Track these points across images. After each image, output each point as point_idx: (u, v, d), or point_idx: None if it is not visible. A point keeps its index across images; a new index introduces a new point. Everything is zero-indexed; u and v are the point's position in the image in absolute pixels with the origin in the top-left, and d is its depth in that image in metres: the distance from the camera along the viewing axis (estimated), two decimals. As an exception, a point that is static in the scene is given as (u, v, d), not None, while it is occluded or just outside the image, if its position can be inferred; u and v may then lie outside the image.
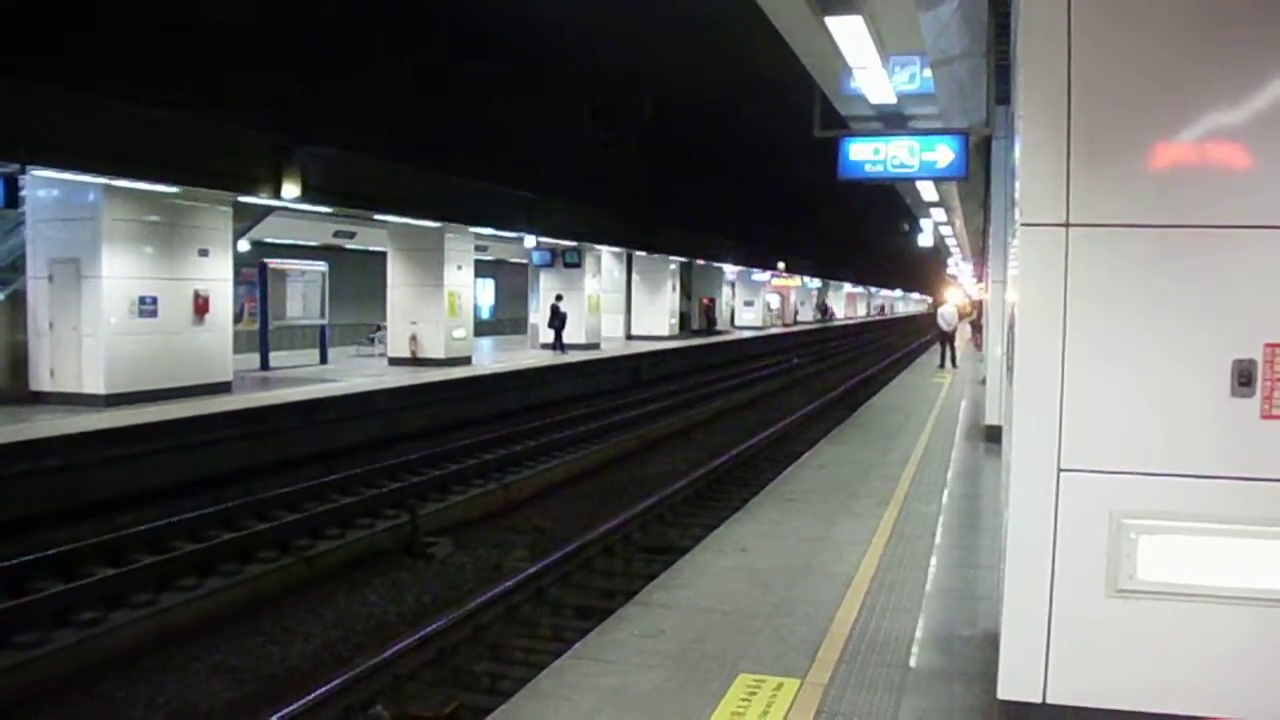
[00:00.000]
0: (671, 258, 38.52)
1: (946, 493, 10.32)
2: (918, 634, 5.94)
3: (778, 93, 18.89)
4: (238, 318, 19.58)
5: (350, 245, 29.03)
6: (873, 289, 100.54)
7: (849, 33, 8.51)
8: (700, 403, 24.67)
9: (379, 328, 26.32)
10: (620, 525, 11.55)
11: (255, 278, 21.45)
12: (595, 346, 31.22)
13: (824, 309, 75.90)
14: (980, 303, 32.28)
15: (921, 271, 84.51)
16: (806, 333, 57.65)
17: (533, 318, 32.44)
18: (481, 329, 32.49)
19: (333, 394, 17.51)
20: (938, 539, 8.34)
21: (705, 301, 46.01)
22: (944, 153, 10.84)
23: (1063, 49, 3.87)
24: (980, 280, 30.73)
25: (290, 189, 16.63)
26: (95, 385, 14.96)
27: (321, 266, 23.37)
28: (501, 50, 22.11)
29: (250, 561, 10.50)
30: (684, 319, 42.86)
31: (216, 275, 17.07)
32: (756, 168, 39.43)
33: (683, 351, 35.31)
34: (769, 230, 47.24)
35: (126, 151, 13.97)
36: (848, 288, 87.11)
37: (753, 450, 16.97)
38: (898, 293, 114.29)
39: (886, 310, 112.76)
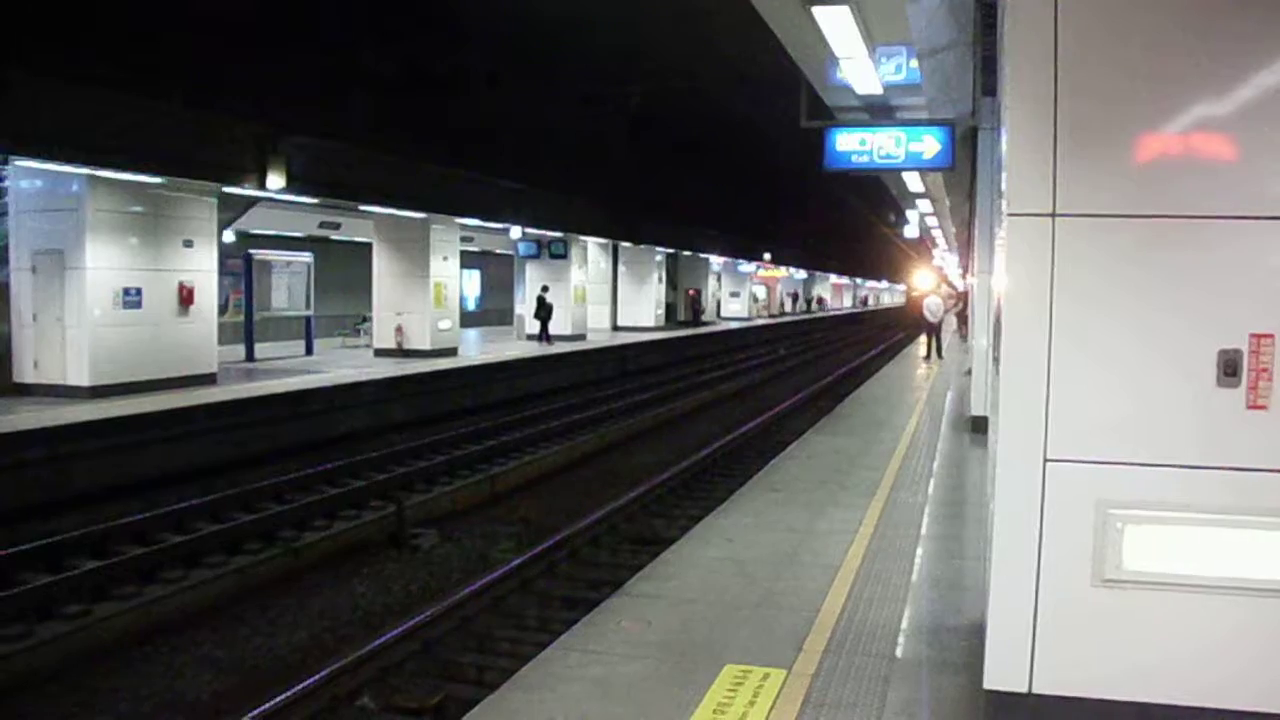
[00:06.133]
0: (657, 249, 38.50)
1: (932, 483, 10.34)
2: (904, 624, 5.95)
3: (764, 84, 18.88)
4: (223, 309, 19.51)
5: (336, 236, 28.91)
6: (858, 280, 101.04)
7: (835, 23, 8.50)
8: (686, 394, 24.68)
9: (364, 319, 26.26)
10: (606, 516, 11.56)
11: (240, 269, 21.38)
12: (581, 338, 31.23)
13: (819, 300, 77.96)
14: (964, 293, 32.34)
15: (907, 262, 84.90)
16: (792, 324, 57.81)
17: (519, 309, 32.41)
18: (467, 320, 32.42)
19: (318, 385, 17.47)
20: (924, 529, 8.35)
21: (691, 293, 45.99)
22: (930, 143, 10.87)
23: (1049, 39, 3.87)
24: (965, 271, 30.79)
25: (275, 179, 16.57)
26: (79, 377, 14.88)
27: (307, 257, 23.31)
28: (487, 40, 22.03)
29: (236, 553, 10.48)
30: (670, 310, 42.85)
31: (201, 266, 16.99)
32: (743, 159, 39.40)
33: (668, 343, 35.34)
34: (755, 221, 47.24)
35: (110, 142, 13.88)
36: (833, 279, 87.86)
37: (739, 441, 16.98)
38: (883, 284, 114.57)
39: (870, 301, 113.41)
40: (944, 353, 28.33)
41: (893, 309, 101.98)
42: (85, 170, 14.36)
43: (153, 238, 15.98)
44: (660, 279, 40.31)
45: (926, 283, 32.40)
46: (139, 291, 15.64)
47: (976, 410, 13.38)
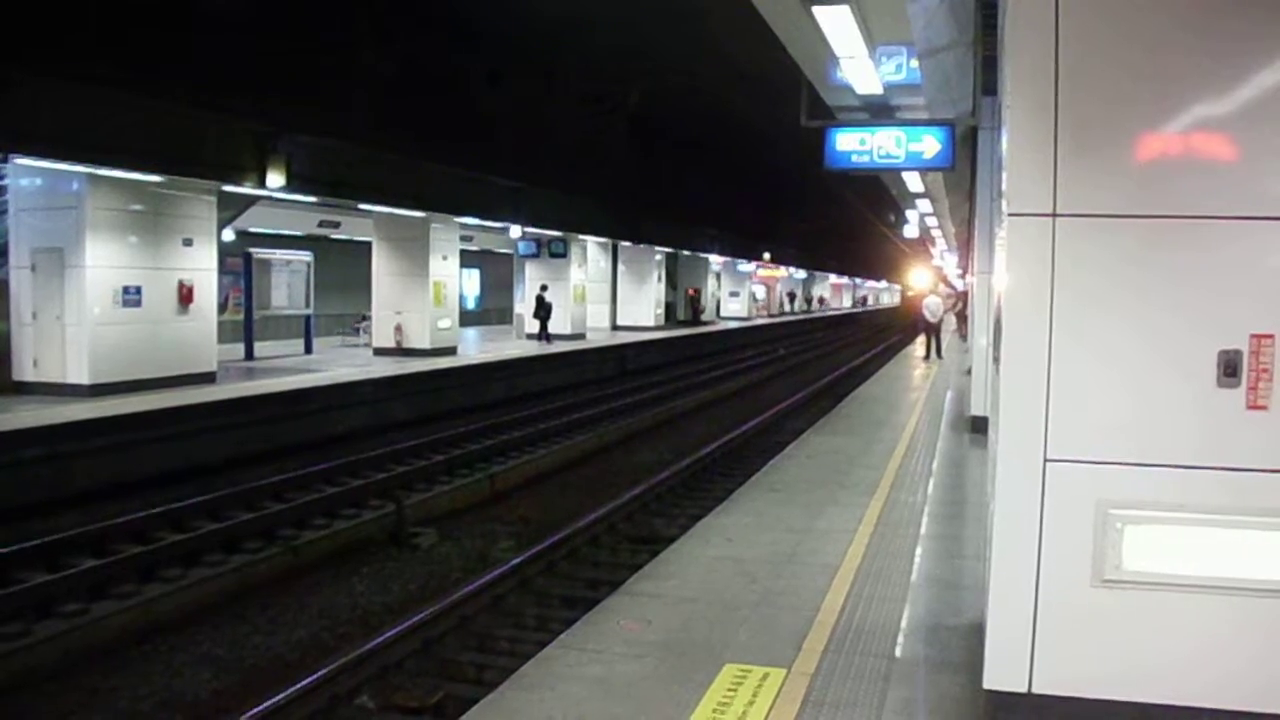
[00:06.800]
0: (657, 248, 38.48)
1: (932, 483, 10.35)
2: (903, 624, 5.96)
3: (764, 83, 18.86)
4: (222, 308, 19.48)
5: (335, 235, 28.93)
6: (856, 280, 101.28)
7: (836, 22, 8.51)
8: (686, 393, 24.68)
9: (364, 318, 26.25)
10: (606, 515, 11.56)
11: (240, 267, 21.36)
12: (581, 337, 31.22)
13: (819, 300, 79.10)
14: (964, 293, 32.36)
15: (906, 262, 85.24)
16: (791, 323, 57.81)
17: (518, 308, 32.40)
18: (467, 319, 32.42)
19: (317, 384, 17.46)
20: (923, 529, 8.36)
21: (691, 292, 45.97)
22: (930, 143, 10.87)
23: (1050, 39, 3.87)
24: (965, 271, 30.79)
25: (275, 178, 16.56)
26: (79, 375, 14.86)
27: (306, 256, 23.28)
28: (488, 39, 22.01)
29: (236, 551, 10.48)
30: (669, 309, 42.82)
31: (201, 265, 16.98)
32: (743, 158, 39.39)
33: (668, 342, 35.34)
34: (754, 221, 47.22)
35: (110, 140, 13.87)
36: (832, 278, 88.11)
37: (738, 441, 16.98)
38: (882, 283, 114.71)
39: (870, 301, 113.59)
40: (943, 352, 28.35)
41: (891, 308, 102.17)
42: (85, 168, 14.34)
43: (152, 236, 15.96)
44: (660, 278, 40.28)
45: (923, 282, 32.33)
46: (138, 290, 15.63)
47: (976, 410, 13.40)
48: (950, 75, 11.10)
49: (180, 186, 16.15)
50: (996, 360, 4.51)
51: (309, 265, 23.20)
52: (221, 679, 7.56)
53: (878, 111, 12.32)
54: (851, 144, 11.10)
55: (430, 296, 23.36)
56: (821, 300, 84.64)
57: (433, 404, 19.78)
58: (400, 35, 19.60)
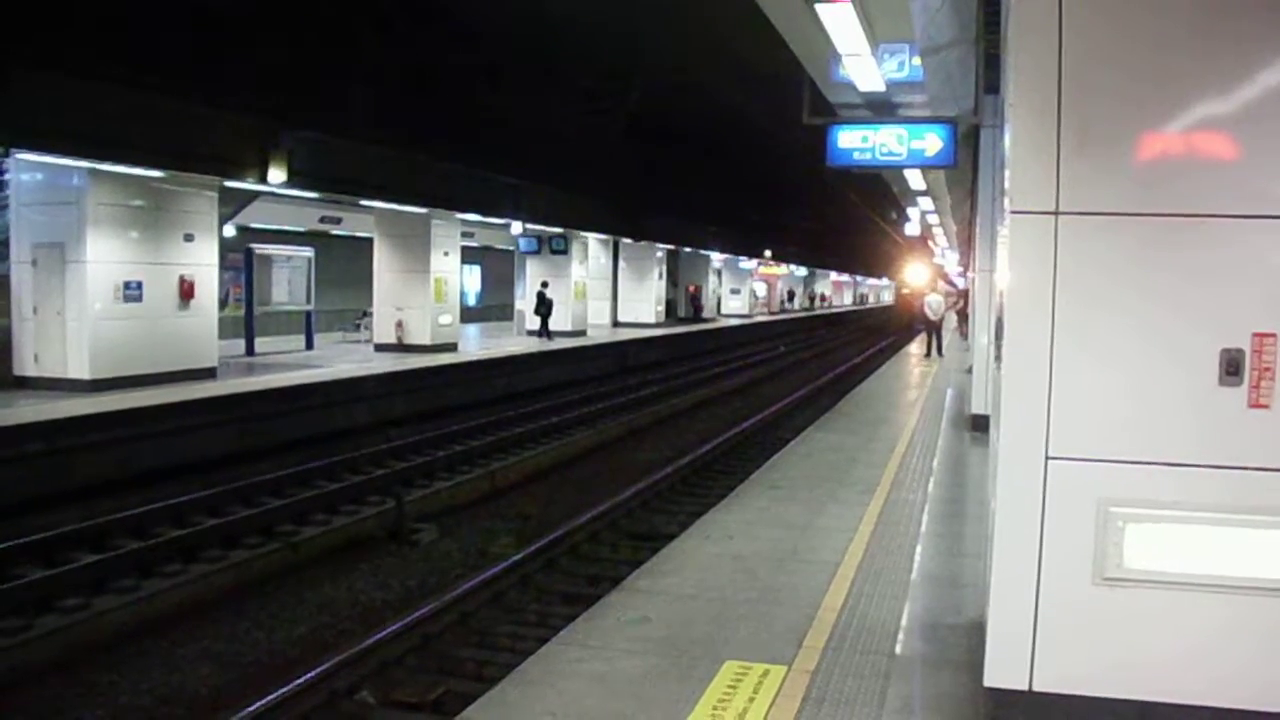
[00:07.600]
0: (658, 245, 38.48)
1: (932, 481, 10.34)
2: (904, 621, 5.95)
3: (766, 80, 18.85)
4: (223, 303, 19.50)
5: (336, 231, 28.92)
6: (857, 278, 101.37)
7: (838, 19, 8.47)
8: (686, 390, 24.69)
9: (365, 314, 26.26)
10: (606, 512, 11.55)
11: (241, 263, 21.37)
12: (581, 334, 31.23)
13: (821, 297, 79.87)
14: (965, 291, 32.35)
15: (906, 260, 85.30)
16: (792, 321, 57.82)
17: (519, 304, 32.40)
18: (468, 315, 32.42)
19: (318, 380, 17.46)
20: (923, 527, 8.35)
21: (691, 289, 45.97)
22: (932, 141, 10.86)
23: (1053, 37, 3.87)
24: (966, 269, 30.79)
25: (276, 174, 16.55)
26: (79, 370, 14.88)
27: (307, 252, 23.29)
28: (489, 36, 22.02)
29: (235, 547, 10.47)
30: (670, 306, 42.82)
31: (202, 260, 16.98)
32: (744, 155, 39.38)
33: (669, 339, 35.33)
34: (756, 218, 47.20)
35: (111, 135, 13.87)
36: (833, 276, 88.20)
37: (739, 438, 16.98)
38: (883, 281, 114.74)
39: (870, 299, 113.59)
40: (944, 351, 28.35)
41: (890, 306, 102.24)
42: (86, 164, 14.34)
43: (153, 231, 15.96)
44: (661, 275, 40.28)
45: (919, 279, 32.30)
46: (139, 285, 15.64)
47: (977, 408, 13.38)
48: (953, 73, 11.08)
49: (181, 182, 16.15)
50: (998, 358, 4.50)
51: (310, 261, 23.21)
52: (221, 674, 7.56)
53: (879, 109, 12.30)
54: (853, 141, 11.10)
55: (431, 292, 23.39)
56: (823, 298, 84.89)
57: (433, 400, 19.77)
58: (401, 32, 19.60)
